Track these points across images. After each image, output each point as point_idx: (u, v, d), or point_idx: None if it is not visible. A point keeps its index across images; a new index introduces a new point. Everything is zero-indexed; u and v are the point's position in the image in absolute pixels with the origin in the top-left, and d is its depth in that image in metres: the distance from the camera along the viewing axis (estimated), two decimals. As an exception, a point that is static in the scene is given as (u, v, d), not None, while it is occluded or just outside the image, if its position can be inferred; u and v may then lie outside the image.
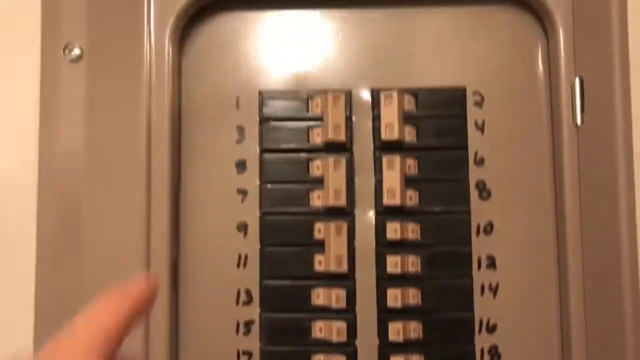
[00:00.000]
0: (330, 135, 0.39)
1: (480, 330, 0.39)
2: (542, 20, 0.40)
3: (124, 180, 0.38)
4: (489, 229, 0.40)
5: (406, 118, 0.40)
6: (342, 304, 0.38)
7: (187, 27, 0.41)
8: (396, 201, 0.39)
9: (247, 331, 0.39)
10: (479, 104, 0.40)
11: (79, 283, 0.38)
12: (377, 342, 0.39)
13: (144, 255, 0.38)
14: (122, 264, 0.38)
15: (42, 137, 0.39)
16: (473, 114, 0.40)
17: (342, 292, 0.39)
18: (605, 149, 0.35)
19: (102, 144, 0.39)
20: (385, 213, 0.39)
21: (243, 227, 0.40)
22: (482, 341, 0.39)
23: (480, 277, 0.39)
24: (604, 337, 0.35)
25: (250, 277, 0.40)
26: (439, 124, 0.40)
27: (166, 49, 0.39)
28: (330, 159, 0.39)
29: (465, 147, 0.40)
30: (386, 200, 0.39)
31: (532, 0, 0.39)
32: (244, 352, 0.39)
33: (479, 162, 0.40)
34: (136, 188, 0.38)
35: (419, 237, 0.39)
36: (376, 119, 0.40)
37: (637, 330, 0.32)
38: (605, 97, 0.35)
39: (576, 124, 0.38)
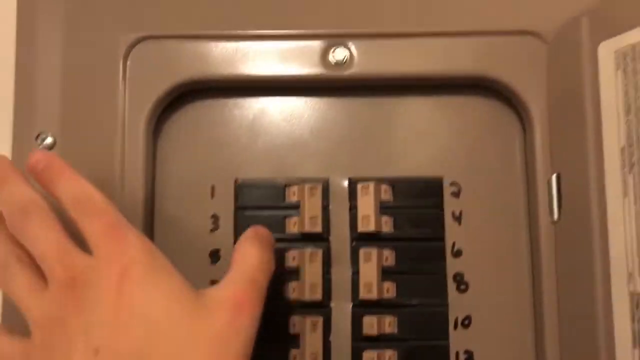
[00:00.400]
0: (307, 227, 0.39)
1: None
2: (520, 114, 0.40)
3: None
4: (467, 322, 0.39)
5: (383, 208, 0.39)
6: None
7: (163, 113, 0.41)
8: (373, 295, 0.38)
9: None
10: (456, 194, 0.40)
11: None
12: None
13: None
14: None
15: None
16: (450, 204, 0.40)
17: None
18: (582, 252, 0.35)
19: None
20: (362, 306, 0.39)
21: (217, 319, 0.39)
22: None
23: (458, 373, 0.38)
24: None
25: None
26: (416, 214, 0.40)
27: (141, 137, 0.39)
28: (307, 252, 0.38)
29: (442, 239, 0.40)
30: (362, 295, 0.38)
31: (510, 95, 0.39)
32: None
33: (457, 253, 0.40)
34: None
35: (395, 330, 0.39)
36: (353, 209, 0.40)
37: None
38: (582, 198, 0.35)
39: (553, 220, 0.37)
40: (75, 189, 0.32)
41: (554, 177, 0.38)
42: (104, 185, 0.38)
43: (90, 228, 0.31)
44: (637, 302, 0.32)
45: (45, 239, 0.31)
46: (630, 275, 0.32)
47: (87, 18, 0.40)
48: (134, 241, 0.31)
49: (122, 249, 0.31)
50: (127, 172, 0.38)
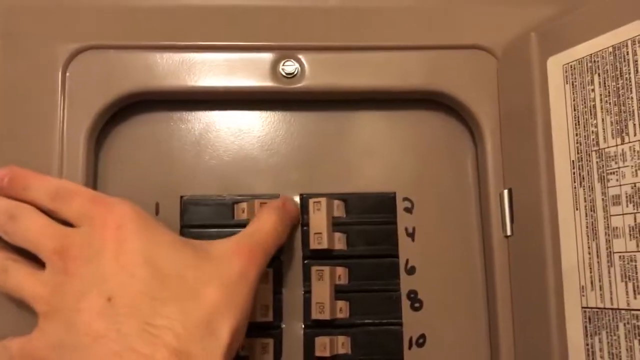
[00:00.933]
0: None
1: None
2: (471, 128, 0.40)
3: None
4: (421, 341, 0.38)
5: (336, 225, 0.38)
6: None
7: (105, 127, 0.39)
8: (326, 315, 0.37)
9: None
10: (409, 210, 0.39)
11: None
12: None
13: None
14: None
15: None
16: (403, 220, 0.39)
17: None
18: (534, 264, 0.34)
19: None
20: (315, 327, 0.37)
21: (161, 344, 0.37)
22: None
23: (413, 394, 0.37)
24: None
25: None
26: (369, 230, 0.39)
27: (80, 152, 0.37)
28: (256, 271, 0.37)
29: (396, 255, 0.39)
30: (315, 314, 0.37)
31: (461, 109, 0.39)
32: None
33: (410, 270, 0.39)
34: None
35: (349, 351, 0.37)
36: (305, 226, 0.38)
37: None
38: (533, 208, 0.35)
39: (506, 234, 0.37)
40: (46, 185, 0.34)
41: (505, 191, 0.37)
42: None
43: (73, 207, 0.33)
44: (589, 317, 0.32)
45: (34, 225, 0.32)
46: (582, 289, 0.32)
47: (24, 28, 0.38)
48: (120, 203, 0.33)
49: (110, 210, 0.32)
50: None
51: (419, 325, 0.38)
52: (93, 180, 0.38)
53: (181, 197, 0.38)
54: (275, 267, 0.38)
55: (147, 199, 0.38)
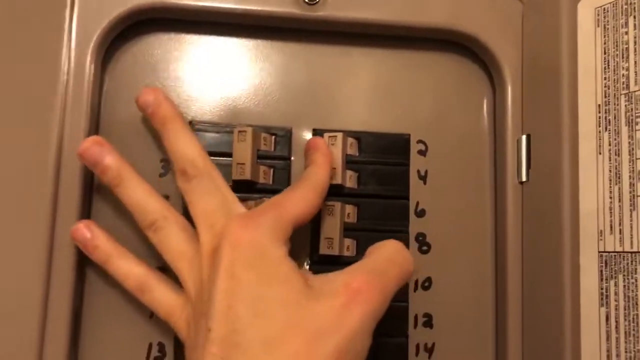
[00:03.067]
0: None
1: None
2: (491, 73, 0.39)
3: (26, 210, 0.33)
4: (427, 284, 0.37)
5: (348, 162, 0.37)
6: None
7: (113, 44, 0.37)
8: (334, 251, 0.36)
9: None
10: (423, 152, 0.39)
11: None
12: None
13: (41, 302, 0.33)
14: (14, 310, 0.32)
15: None
16: (416, 163, 0.38)
17: None
18: (550, 209, 0.34)
19: (4, 166, 0.33)
20: (321, 263, 0.37)
21: (162, 270, 0.36)
22: (416, 406, 0.36)
23: (416, 335, 0.37)
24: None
25: (165, 330, 0.35)
26: (381, 170, 0.38)
27: (87, 67, 0.35)
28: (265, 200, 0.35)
29: (406, 197, 0.38)
30: (322, 250, 0.36)
31: (481, 52, 0.38)
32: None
33: (420, 213, 0.38)
34: (39, 219, 0.33)
35: (354, 291, 0.36)
36: (313, 161, 0.37)
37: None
38: (553, 157, 0.34)
39: (521, 181, 0.37)
40: (186, 149, 0.33)
41: (524, 137, 0.37)
42: (42, 121, 0.34)
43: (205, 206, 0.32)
44: (605, 261, 0.31)
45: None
46: (600, 233, 0.32)
47: None
48: (256, 222, 0.30)
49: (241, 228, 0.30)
50: (69, 105, 0.34)
51: (425, 268, 0.38)
52: (98, 100, 0.36)
53: (190, 121, 0.37)
54: (283, 200, 0.36)
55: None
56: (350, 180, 0.37)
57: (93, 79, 0.35)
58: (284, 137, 0.37)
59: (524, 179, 0.37)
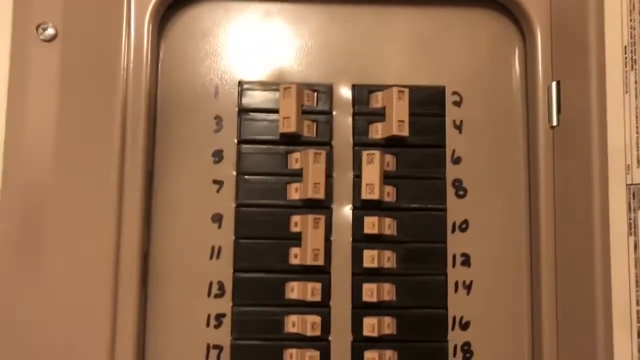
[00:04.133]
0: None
1: (453, 327, 0.39)
2: (521, 24, 0.41)
3: (95, 169, 0.37)
4: (464, 226, 0.40)
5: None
6: (317, 297, 0.38)
7: (167, 13, 0.40)
8: (374, 196, 0.38)
9: (219, 324, 0.38)
10: (458, 103, 0.41)
11: (42, 282, 0.36)
12: (350, 337, 0.38)
13: (114, 248, 0.36)
14: (90, 258, 0.36)
15: (9, 123, 0.37)
16: (452, 113, 0.41)
17: (318, 286, 0.38)
18: (580, 149, 0.36)
19: (73, 131, 0.37)
20: (363, 208, 0.39)
21: (218, 219, 0.39)
22: (455, 338, 0.39)
23: (454, 274, 0.39)
24: (574, 332, 0.36)
25: (224, 270, 0.39)
26: (419, 121, 0.40)
27: (145, 33, 0.38)
28: (310, 152, 0.38)
29: (443, 146, 0.40)
30: (364, 195, 0.39)
31: (511, 5, 0.40)
32: (214, 346, 0.38)
33: (456, 160, 0.40)
34: (107, 177, 0.37)
35: (395, 232, 0.39)
36: (357, 115, 0.40)
37: (608, 323, 0.33)
38: (581, 100, 0.36)
39: (552, 125, 0.39)
40: None
41: (554, 84, 0.39)
42: (105, 82, 0.38)
43: None
44: (633, 193, 0.33)
45: None
46: (628, 167, 0.33)
47: None
48: None
49: None
50: (131, 69, 0.38)
51: (462, 212, 0.40)
52: (156, 60, 0.40)
53: (239, 81, 0.40)
54: (327, 150, 0.39)
55: (207, 82, 0.40)
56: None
57: (151, 45, 0.38)
58: (325, 93, 0.40)
59: (554, 123, 0.38)
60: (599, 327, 0.34)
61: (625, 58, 0.34)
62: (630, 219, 0.33)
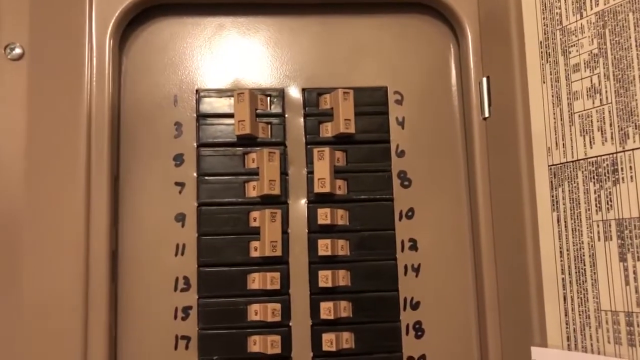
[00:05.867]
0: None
1: (405, 308, 0.42)
2: (453, 27, 0.44)
3: (64, 177, 0.40)
4: (410, 214, 0.43)
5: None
6: (277, 286, 0.41)
7: (128, 29, 0.43)
8: (326, 189, 0.42)
9: (186, 316, 0.41)
10: (399, 102, 0.44)
11: (14, 281, 0.38)
12: (309, 321, 0.41)
13: (84, 248, 0.39)
14: (61, 259, 0.39)
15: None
16: (394, 111, 0.44)
17: (277, 275, 0.41)
18: (509, 136, 0.39)
19: (41, 142, 0.40)
20: (316, 201, 0.42)
21: (181, 218, 0.42)
22: (407, 317, 0.42)
23: (403, 258, 0.42)
24: (512, 302, 0.39)
25: (188, 265, 0.41)
26: (365, 119, 0.44)
27: (107, 48, 0.41)
28: (265, 151, 0.42)
29: (388, 141, 0.44)
30: (317, 189, 0.42)
31: (443, 9, 0.44)
32: (182, 337, 0.41)
33: (400, 154, 0.44)
34: (76, 184, 0.40)
35: (347, 222, 0.42)
36: (308, 116, 0.43)
37: (539, 291, 0.36)
38: (508, 92, 0.39)
39: (484, 117, 0.42)
40: None
41: (484, 79, 0.42)
42: (70, 95, 0.40)
43: None
44: (554, 172, 0.37)
45: None
46: (548, 150, 0.37)
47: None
48: None
49: None
50: (94, 83, 0.41)
51: (408, 201, 0.43)
52: (118, 74, 0.43)
53: (196, 90, 0.43)
54: (281, 150, 0.42)
55: (167, 91, 0.43)
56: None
57: (112, 60, 0.41)
58: (278, 97, 0.43)
59: (486, 115, 0.42)
60: (532, 295, 0.37)
61: (541, 52, 0.38)
62: (552, 196, 0.37)
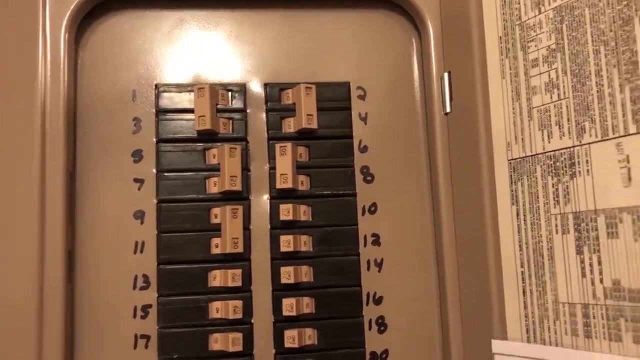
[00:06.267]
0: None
1: (367, 303, 0.42)
2: (416, 23, 0.44)
3: (17, 174, 0.38)
4: (373, 209, 0.43)
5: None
6: (238, 283, 0.40)
7: (85, 23, 0.42)
8: (288, 185, 0.41)
9: (145, 315, 0.40)
10: (362, 97, 0.44)
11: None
12: (272, 317, 0.41)
13: (38, 246, 0.38)
14: (14, 257, 0.38)
15: None
16: (357, 106, 0.44)
17: (238, 272, 0.40)
18: (469, 131, 0.39)
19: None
20: (279, 197, 0.42)
21: (140, 215, 0.41)
22: (369, 312, 0.42)
23: (366, 253, 0.42)
24: (474, 295, 0.39)
25: (148, 263, 0.41)
26: (328, 115, 0.43)
27: (62, 42, 0.40)
28: (226, 147, 0.41)
29: (350, 136, 0.44)
30: (279, 185, 0.41)
31: (407, 6, 0.44)
32: (142, 336, 0.40)
33: (363, 149, 0.44)
34: (30, 180, 0.38)
35: (310, 218, 0.42)
36: (270, 111, 0.43)
37: (499, 284, 0.37)
38: (469, 87, 0.40)
39: (445, 112, 0.42)
40: None
41: (446, 74, 0.42)
42: (24, 89, 0.39)
43: None
44: (514, 167, 0.37)
45: None
46: (508, 144, 0.37)
47: None
48: None
49: None
50: (49, 78, 0.40)
51: (370, 196, 0.43)
52: (74, 69, 0.41)
53: (156, 85, 0.42)
54: (242, 145, 0.42)
55: (125, 86, 0.42)
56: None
57: (68, 54, 0.40)
58: (239, 92, 0.43)
59: (448, 110, 0.42)
60: (492, 289, 0.37)
61: (501, 47, 0.38)
62: (512, 190, 0.37)
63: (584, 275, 0.33)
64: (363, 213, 0.43)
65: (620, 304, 0.31)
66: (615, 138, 0.32)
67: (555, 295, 0.34)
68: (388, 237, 0.43)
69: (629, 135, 0.31)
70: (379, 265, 0.42)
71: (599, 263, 0.32)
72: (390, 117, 0.44)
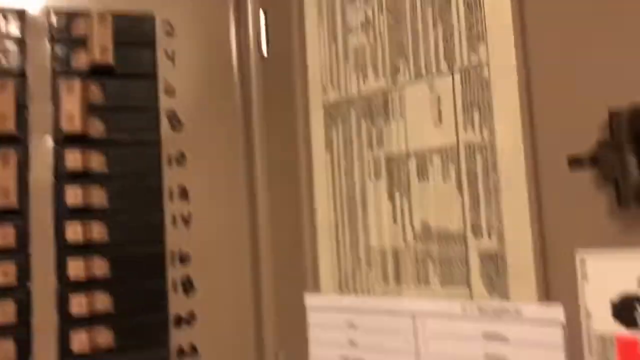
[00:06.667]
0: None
1: (173, 262, 0.38)
2: (230, -47, 0.40)
3: None
4: (181, 159, 0.39)
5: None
6: (12, 243, 0.34)
7: None
8: (76, 128, 0.35)
9: None
10: (170, 33, 0.39)
11: None
12: (55, 282, 0.35)
13: None
14: None
15: None
16: (163, 43, 0.39)
17: (11, 231, 0.34)
18: (285, 75, 0.37)
19: None
20: (65, 142, 0.36)
21: None
22: (174, 273, 0.37)
23: (172, 208, 0.38)
24: (287, 247, 0.37)
25: None
26: (127, 50, 0.38)
27: None
28: (-5, 80, 0.34)
29: (155, 77, 0.38)
30: (65, 128, 0.35)
31: None
32: None
33: (170, 92, 0.39)
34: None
35: (105, 168, 0.36)
36: (56, 41, 0.36)
37: (313, 240, 0.35)
38: (285, 28, 0.37)
39: (262, 56, 0.39)
40: None
41: (262, 13, 0.39)
42: None
43: None
44: (329, 112, 0.35)
45: None
46: (324, 88, 0.35)
47: None
48: None
49: None
50: None
51: (178, 144, 0.39)
52: None
53: None
54: (19, 82, 0.35)
55: None
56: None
57: None
58: (16, 18, 0.35)
59: (264, 53, 0.39)
60: (306, 241, 0.35)
61: (319, -13, 0.36)
62: (327, 136, 0.35)
63: (395, 220, 0.32)
64: (169, 163, 0.38)
65: (429, 248, 0.30)
66: (427, 77, 0.31)
67: (367, 242, 0.33)
68: (197, 190, 0.39)
69: (441, 74, 0.30)
70: (187, 221, 0.38)
71: (410, 207, 0.31)
72: (202, 57, 0.40)
